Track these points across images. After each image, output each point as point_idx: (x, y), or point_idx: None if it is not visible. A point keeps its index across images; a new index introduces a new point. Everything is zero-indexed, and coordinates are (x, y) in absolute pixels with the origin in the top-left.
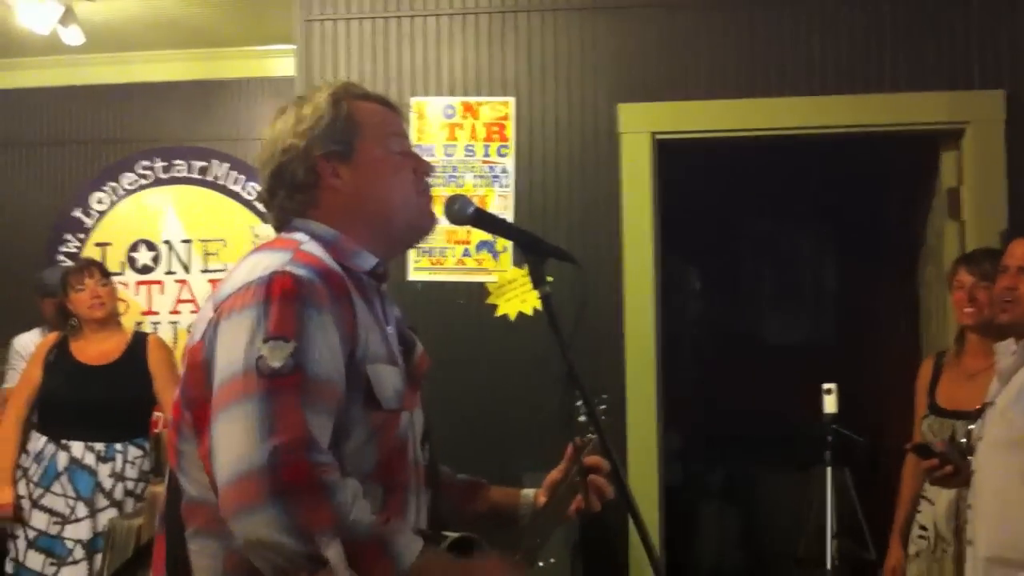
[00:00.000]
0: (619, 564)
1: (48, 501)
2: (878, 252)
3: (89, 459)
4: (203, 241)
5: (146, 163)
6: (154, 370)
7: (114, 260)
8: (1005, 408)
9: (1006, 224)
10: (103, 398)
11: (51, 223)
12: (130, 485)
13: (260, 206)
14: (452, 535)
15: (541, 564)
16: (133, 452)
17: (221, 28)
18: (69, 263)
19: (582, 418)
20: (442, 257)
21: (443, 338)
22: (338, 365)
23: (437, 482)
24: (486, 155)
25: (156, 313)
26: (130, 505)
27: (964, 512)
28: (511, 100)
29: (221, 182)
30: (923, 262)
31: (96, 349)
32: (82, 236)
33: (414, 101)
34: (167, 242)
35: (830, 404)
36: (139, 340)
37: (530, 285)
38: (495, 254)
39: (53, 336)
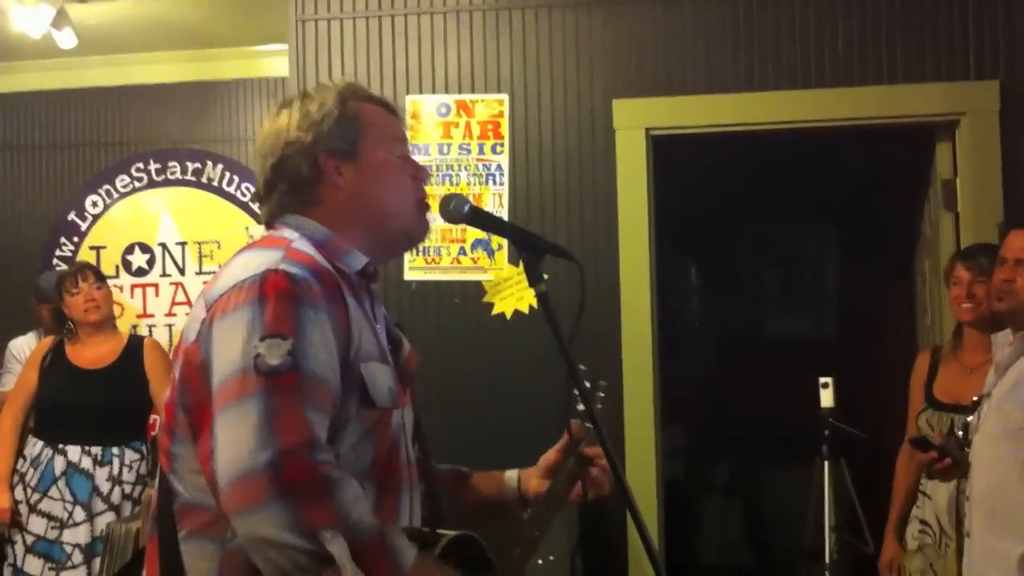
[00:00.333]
0: (619, 561)
1: (45, 506)
2: (874, 245)
3: (86, 463)
4: (198, 243)
5: (140, 165)
6: (150, 373)
7: (109, 263)
8: (1001, 400)
9: (1001, 215)
10: (99, 402)
11: (47, 227)
12: (127, 489)
13: (255, 207)
14: (449, 533)
15: (541, 562)
16: (130, 456)
17: (214, 28)
18: (64, 267)
19: (580, 406)
20: (437, 256)
21: (439, 337)
22: (333, 364)
23: (431, 476)
24: (481, 153)
25: (151, 316)
26: (128, 509)
27: (963, 504)
28: (505, 97)
29: (216, 184)
30: (919, 254)
31: (92, 353)
32: (77, 240)
33: (408, 100)
34: (162, 244)
35: (827, 398)
36: (135, 343)
37: (526, 283)
38: (490, 252)
39: (49, 340)
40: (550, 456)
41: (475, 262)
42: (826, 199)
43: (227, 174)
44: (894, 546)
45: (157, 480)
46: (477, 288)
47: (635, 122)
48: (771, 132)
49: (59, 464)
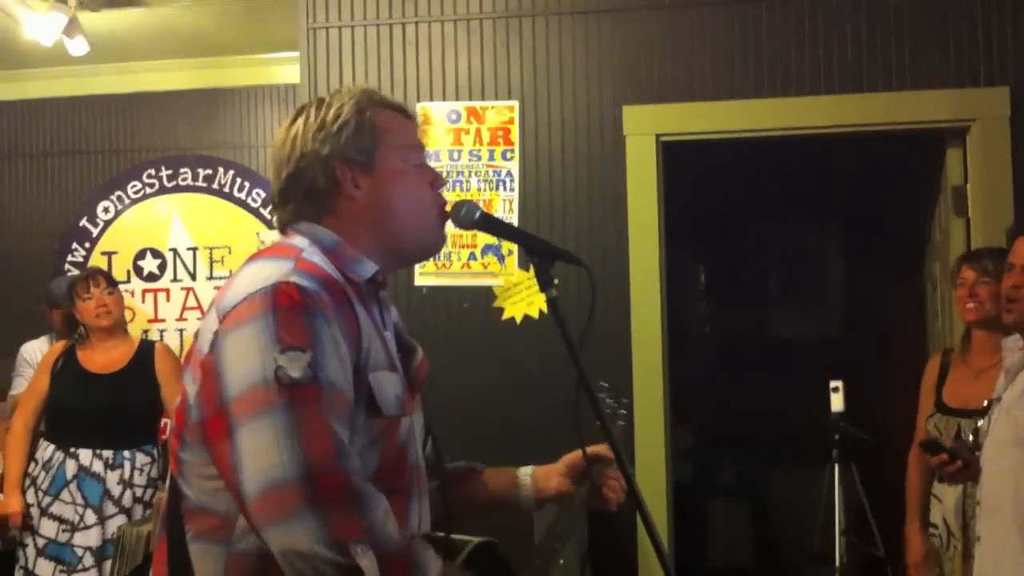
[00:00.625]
0: (629, 563)
1: (57, 509)
2: (885, 250)
3: (97, 467)
4: (209, 248)
5: (152, 171)
6: (161, 377)
7: (120, 269)
8: (1011, 405)
9: (1012, 221)
10: (110, 406)
11: (59, 233)
12: (138, 492)
13: (265, 212)
14: (472, 541)
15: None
16: (141, 459)
17: (225, 36)
18: (75, 272)
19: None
20: (448, 261)
21: (449, 342)
22: (347, 375)
23: (444, 476)
24: (491, 159)
25: (162, 321)
26: (139, 512)
27: (972, 508)
28: (515, 104)
29: (227, 189)
30: (929, 259)
31: (103, 357)
32: (88, 245)
33: (419, 107)
34: (173, 250)
35: (837, 402)
36: (146, 348)
37: (536, 287)
38: (501, 258)
39: (60, 344)
40: (574, 460)
41: (485, 267)
42: (836, 204)
43: (238, 180)
44: (921, 543)
45: (167, 482)
46: (487, 293)
47: (645, 128)
48: (780, 138)
49: (70, 467)
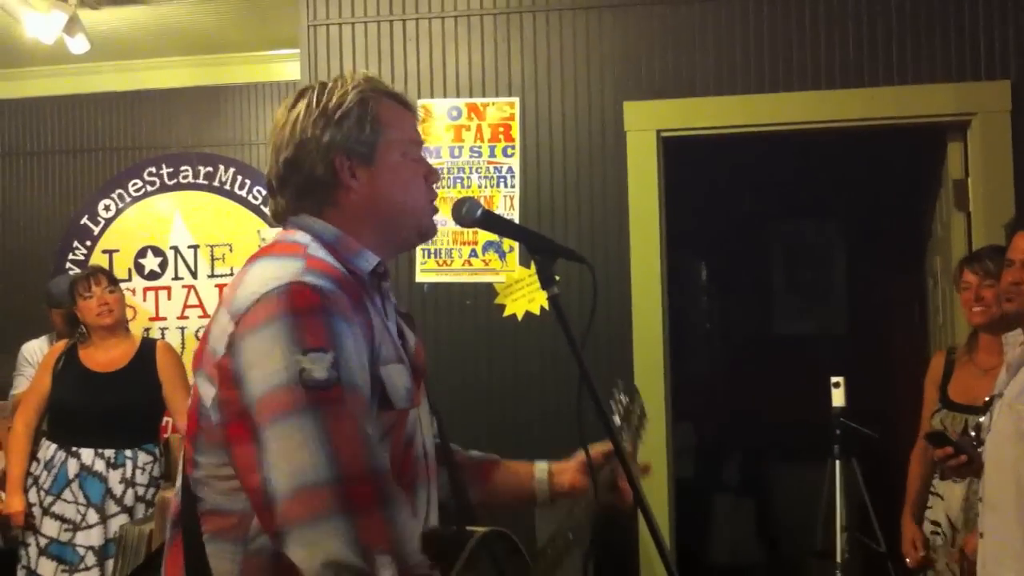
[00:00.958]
0: (631, 561)
1: (59, 508)
2: (886, 245)
3: (99, 466)
4: (210, 246)
5: (152, 169)
6: (163, 376)
7: (121, 267)
8: (1013, 400)
9: (1013, 215)
10: (112, 405)
11: (60, 231)
12: (140, 491)
13: (266, 210)
14: (479, 530)
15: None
16: (143, 458)
17: (226, 33)
18: (76, 271)
19: (616, 417)
20: (449, 258)
21: (451, 339)
22: (365, 374)
23: (457, 468)
24: (492, 156)
25: (164, 319)
26: (141, 511)
27: (975, 506)
28: (516, 100)
29: (227, 187)
30: (931, 254)
31: (105, 356)
32: (89, 244)
33: (420, 103)
34: (174, 248)
35: (838, 398)
36: (147, 346)
37: (537, 284)
38: (502, 254)
39: (62, 343)
40: (594, 454)
41: (486, 264)
42: (837, 199)
43: (239, 178)
44: (913, 527)
45: (179, 485)
46: (488, 290)
47: (646, 124)
48: (781, 133)
49: (72, 467)
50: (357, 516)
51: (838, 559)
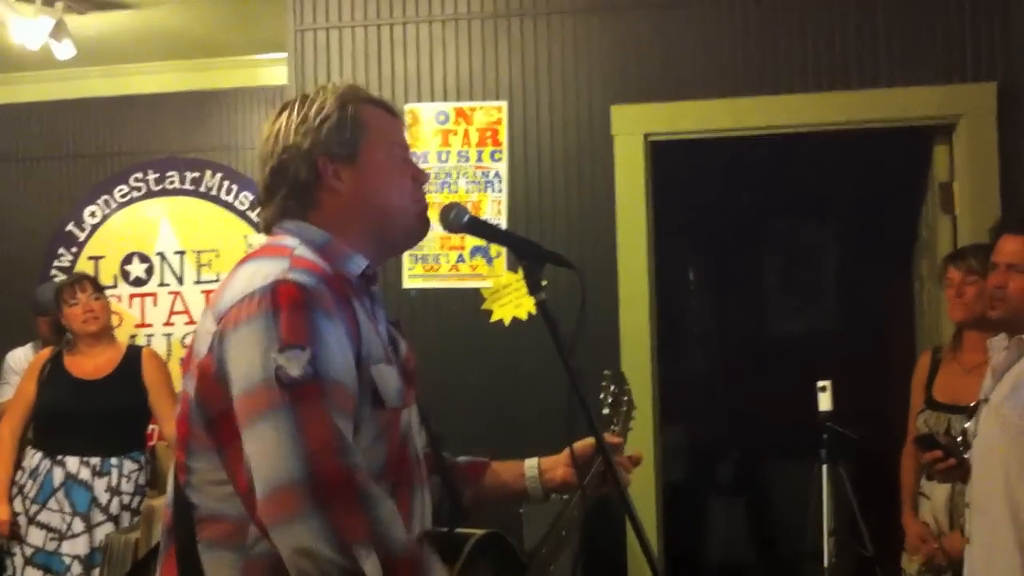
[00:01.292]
0: (618, 562)
1: (44, 517)
2: (873, 247)
3: (85, 474)
4: (196, 252)
5: (139, 175)
6: (149, 383)
7: (107, 273)
8: (999, 404)
9: (999, 218)
10: (98, 412)
11: (46, 238)
12: (126, 499)
13: (254, 216)
14: (476, 533)
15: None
16: (129, 466)
17: (213, 38)
18: (62, 277)
19: (605, 410)
20: (436, 264)
21: (438, 345)
22: (351, 370)
23: (449, 470)
24: (479, 160)
25: (150, 325)
26: (127, 519)
27: (961, 507)
28: (504, 104)
29: (214, 193)
30: (917, 256)
31: (90, 363)
32: (75, 250)
33: (407, 107)
34: (160, 254)
35: (824, 401)
36: (133, 353)
37: (525, 290)
38: (489, 260)
39: (47, 351)
40: (579, 449)
41: (474, 269)
42: (824, 201)
43: (226, 183)
44: (915, 523)
45: (172, 493)
46: (476, 295)
47: (633, 127)
48: (768, 136)
49: (58, 475)
50: (332, 512)
51: (825, 563)
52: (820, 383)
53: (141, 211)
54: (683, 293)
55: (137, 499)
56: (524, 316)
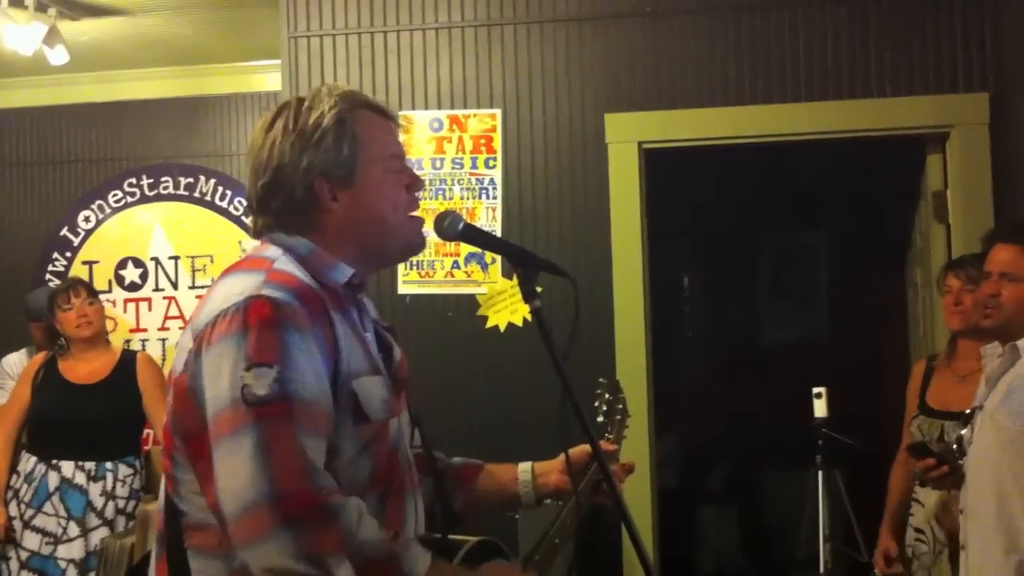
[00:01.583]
0: (614, 570)
1: (40, 521)
2: (868, 256)
3: (80, 478)
4: (191, 257)
5: (133, 180)
6: (143, 388)
7: (102, 278)
8: (993, 411)
9: (992, 226)
10: (93, 417)
11: (39, 243)
12: (121, 503)
13: (247, 221)
14: (469, 540)
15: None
16: (124, 470)
17: (207, 45)
18: (56, 283)
19: (600, 418)
20: (431, 270)
21: (433, 351)
22: (324, 386)
23: (441, 476)
24: (474, 167)
25: (144, 330)
26: (122, 524)
27: (953, 513)
28: (498, 112)
29: (208, 198)
30: (911, 265)
31: (84, 368)
32: (69, 255)
33: (401, 115)
34: (155, 259)
35: (820, 408)
36: (128, 358)
37: (519, 295)
38: (484, 266)
39: (41, 356)
40: (574, 456)
41: (469, 275)
42: (819, 210)
43: (219, 189)
44: (887, 539)
45: (162, 500)
46: (471, 302)
47: (627, 136)
48: (762, 145)
49: (53, 480)
50: (300, 528)
51: (821, 569)
52: (816, 389)
53: (135, 216)
54: (677, 299)
55: (132, 503)
56: (519, 322)
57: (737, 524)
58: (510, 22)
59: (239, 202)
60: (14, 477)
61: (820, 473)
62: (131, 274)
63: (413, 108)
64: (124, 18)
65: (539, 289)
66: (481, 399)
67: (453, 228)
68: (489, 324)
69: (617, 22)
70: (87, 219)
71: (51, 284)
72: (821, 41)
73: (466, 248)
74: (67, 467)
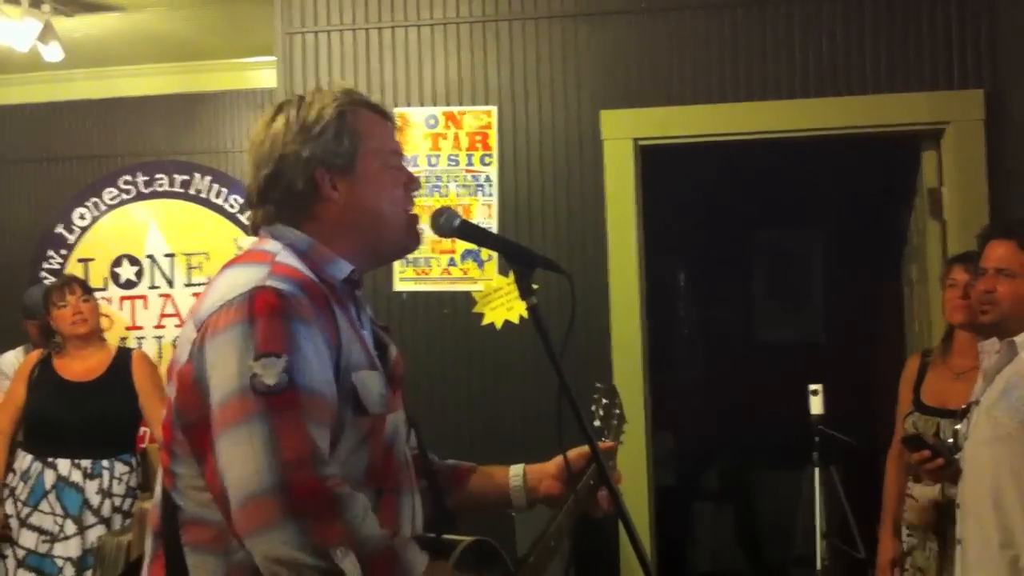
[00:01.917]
0: (612, 569)
1: (36, 520)
2: (863, 253)
3: (76, 476)
4: (186, 255)
5: (128, 178)
6: (139, 385)
7: (97, 275)
8: (991, 406)
9: (987, 223)
10: (88, 415)
11: (35, 240)
12: (117, 501)
13: (243, 218)
14: (464, 540)
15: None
16: (120, 468)
17: (202, 41)
18: (52, 280)
19: (596, 421)
20: (427, 267)
21: (429, 348)
22: (328, 377)
23: (433, 475)
24: (469, 164)
25: (140, 328)
26: (118, 521)
27: (947, 509)
28: (493, 109)
29: (204, 195)
30: (906, 261)
31: (80, 366)
32: (65, 252)
33: (397, 112)
34: (150, 256)
35: (816, 405)
36: (123, 356)
37: (515, 292)
38: (480, 263)
39: (36, 353)
40: (570, 459)
41: (465, 273)
42: (814, 206)
43: (215, 186)
44: (892, 545)
45: (160, 496)
46: (467, 299)
47: (623, 132)
48: (757, 142)
49: (49, 478)
50: (307, 520)
51: (818, 566)
52: (812, 387)
53: (130, 214)
54: (673, 296)
55: (129, 501)
56: (515, 319)
57: (734, 521)
58: (505, 18)
59: (235, 199)
60: (10, 475)
61: (817, 470)
62: (127, 271)
63: (409, 105)
64: (119, 14)
65: (535, 287)
66: (477, 396)
67: (449, 225)
68: (485, 321)
69: (613, 18)
70: (82, 216)
71: (46, 282)
72: (817, 38)
73: (462, 245)
74: (63, 465)
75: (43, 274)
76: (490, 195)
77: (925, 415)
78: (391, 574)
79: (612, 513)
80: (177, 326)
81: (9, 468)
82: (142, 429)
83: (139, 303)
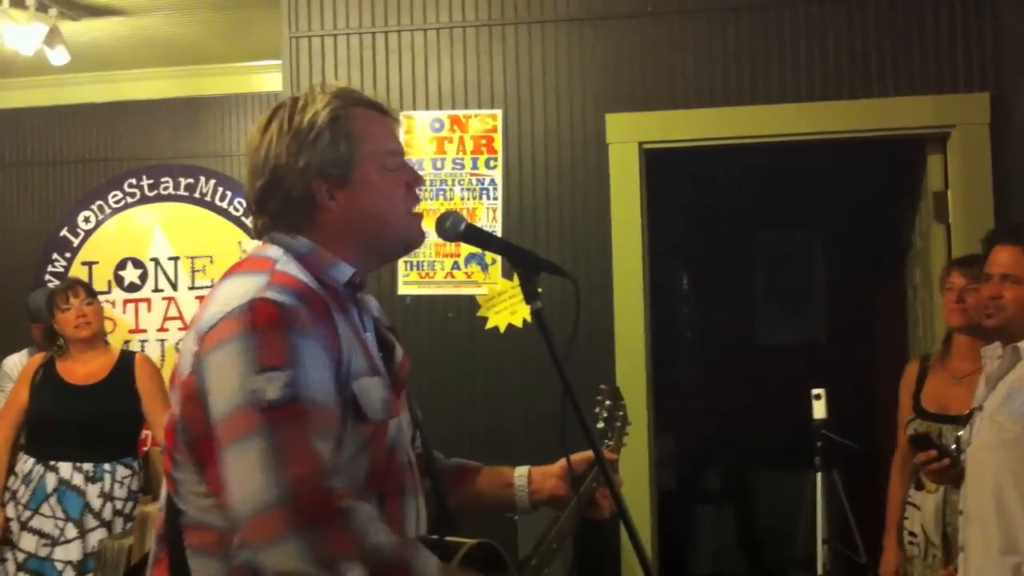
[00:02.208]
0: (614, 572)
1: (37, 523)
2: (868, 256)
3: (78, 480)
4: (190, 258)
5: (133, 181)
6: (142, 389)
7: (101, 279)
8: (993, 412)
9: (992, 227)
10: (91, 418)
11: (39, 243)
12: (119, 505)
13: (247, 222)
14: (468, 542)
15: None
16: (122, 472)
17: (207, 45)
18: (56, 283)
19: (600, 424)
20: (431, 271)
21: (433, 352)
22: (330, 387)
23: (436, 476)
24: (474, 168)
25: (144, 331)
26: (119, 525)
27: (951, 516)
28: (499, 112)
29: (208, 199)
30: (911, 265)
31: (83, 369)
32: (69, 255)
33: (402, 115)
34: (154, 260)
35: (819, 409)
36: (126, 359)
37: (520, 297)
38: (484, 267)
39: (39, 356)
40: (575, 462)
41: (469, 276)
42: (819, 210)
43: (219, 189)
44: (896, 553)
45: (163, 500)
46: (471, 302)
47: (628, 136)
48: (762, 145)
49: (50, 481)
50: (314, 532)
51: (819, 570)
52: (815, 391)
53: (135, 217)
54: (676, 301)
55: (130, 505)
56: (519, 323)
57: (736, 525)
58: (511, 22)
59: (239, 203)
60: (12, 478)
61: (819, 474)
62: (130, 275)
63: (414, 108)
64: (125, 18)
65: (540, 290)
66: (481, 399)
67: (455, 228)
68: (489, 325)
69: (618, 22)
70: (87, 220)
71: (51, 285)
72: (821, 41)
73: (466, 249)
74: (65, 468)
75: (47, 277)
76: (495, 199)
77: (926, 421)
78: None
79: (614, 515)
80: (180, 329)
81: (11, 471)
82: (144, 432)
83: (143, 306)
